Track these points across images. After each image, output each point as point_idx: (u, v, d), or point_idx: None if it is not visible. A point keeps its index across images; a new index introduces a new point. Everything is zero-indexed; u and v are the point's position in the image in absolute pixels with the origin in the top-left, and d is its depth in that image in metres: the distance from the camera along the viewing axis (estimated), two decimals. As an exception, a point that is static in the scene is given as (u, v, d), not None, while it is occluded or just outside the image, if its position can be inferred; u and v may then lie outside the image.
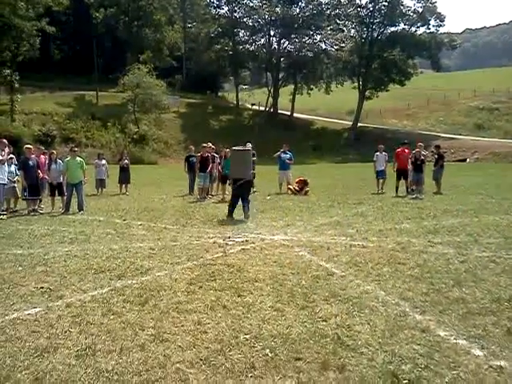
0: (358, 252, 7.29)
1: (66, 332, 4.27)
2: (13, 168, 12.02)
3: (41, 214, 11.75)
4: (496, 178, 22.01)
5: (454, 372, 3.52)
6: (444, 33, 60.16)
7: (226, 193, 14.87)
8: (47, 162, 13.01)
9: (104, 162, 16.82)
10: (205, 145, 15.89)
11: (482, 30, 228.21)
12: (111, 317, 4.63)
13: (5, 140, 11.76)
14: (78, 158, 12.50)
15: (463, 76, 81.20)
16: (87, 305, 4.96)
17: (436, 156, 16.28)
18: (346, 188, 17.84)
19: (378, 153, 16.37)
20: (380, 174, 16.13)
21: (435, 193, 15.51)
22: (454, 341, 4.04)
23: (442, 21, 53.13)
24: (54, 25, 46.30)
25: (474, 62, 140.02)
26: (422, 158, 15.16)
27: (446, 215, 10.87)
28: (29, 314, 4.69)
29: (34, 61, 45.19)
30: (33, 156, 12.27)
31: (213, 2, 60.39)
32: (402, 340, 4.06)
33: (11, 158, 12.11)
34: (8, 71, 40.69)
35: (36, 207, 11.99)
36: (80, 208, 11.96)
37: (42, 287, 5.58)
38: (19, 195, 12.39)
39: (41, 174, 12.27)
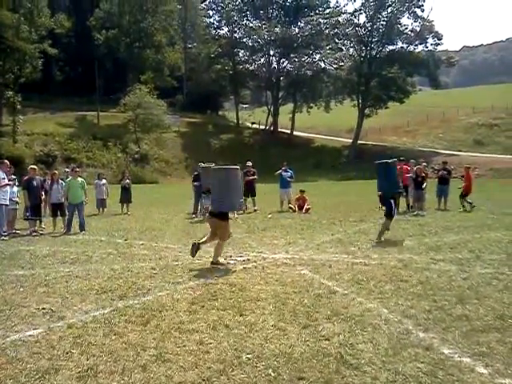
0: (359, 270, 7.27)
1: (67, 353, 4.24)
2: (15, 189, 12.07)
3: (42, 234, 11.75)
4: (497, 194, 22.03)
5: (459, 390, 3.49)
6: (442, 50, 60.93)
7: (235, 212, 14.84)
8: (49, 182, 13.07)
9: (104, 181, 16.87)
10: (202, 164, 15.89)
11: (480, 48, 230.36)
12: (113, 337, 4.60)
13: (7, 161, 11.83)
14: (80, 179, 12.56)
15: (462, 93, 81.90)
16: (89, 325, 4.94)
17: (445, 172, 16.25)
18: (347, 205, 17.84)
19: None
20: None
21: (437, 209, 15.54)
22: (458, 358, 4.01)
23: (440, 39, 53.79)
24: (56, 47, 47.11)
25: (472, 79, 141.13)
26: (423, 175, 15.19)
27: (447, 232, 10.86)
28: (30, 336, 4.66)
29: (36, 82, 45.75)
30: (37, 176, 12.36)
31: (213, 23, 61.41)
32: (406, 358, 4.03)
33: (14, 179, 12.17)
34: (11, 93, 41.18)
35: (36, 228, 11.99)
36: (81, 228, 11.98)
37: (44, 308, 5.55)
38: (17, 216, 12.41)
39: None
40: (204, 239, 8.05)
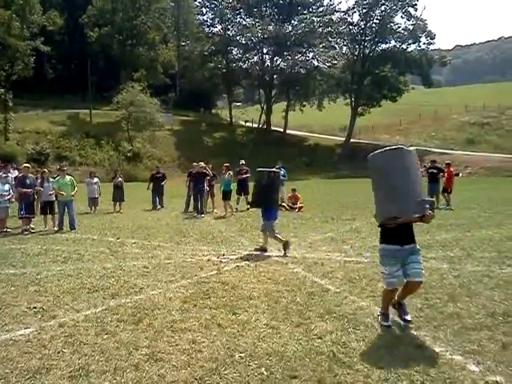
0: (352, 268, 7.29)
1: (58, 352, 4.23)
2: (7, 187, 11.98)
3: (32, 232, 11.67)
4: (488, 192, 22.18)
5: (450, 388, 3.51)
6: (435, 49, 61.06)
7: (229, 210, 14.89)
8: (39, 180, 13.01)
9: (96, 180, 16.75)
10: (195, 164, 15.95)
11: (472, 47, 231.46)
12: (105, 336, 4.59)
13: None
14: (68, 177, 12.49)
15: (454, 91, 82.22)
16: (80, 324, 4.92)
17: (435, 171, 16.38)
18: (340, 204, 17.88)
19: None
20: None
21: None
22: (450, 356, 4.04)
23: (433, 38, 53.90)
24: (48, 44, 46.66)
25: (464, 78, 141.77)
26: None
27: (439, 230, 10.90)
28: (21, 335, 4.64)
29: (28, 80, 45.37)
30: (30, 175, 12.32)
31: (206, 21, 61.11)
32: (398, 356, 4.05)
33: (6, 177, 12.08)
34: (2, 90, 40.80)
35: (28, 226, 11.92)
36: (72, 227, 11.92)
37: (35, 307, 5.53)
38: (9, 215, 12.35)
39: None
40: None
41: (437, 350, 4.18)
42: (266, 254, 8.63)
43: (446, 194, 16.17)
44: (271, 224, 8.96)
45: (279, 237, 8.86)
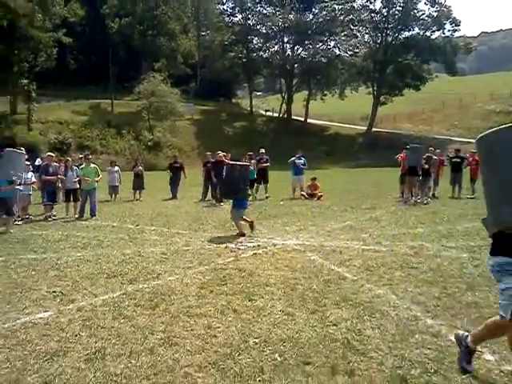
0: (370, 256, 7.23)
1: (76, 336, 4.29)
2: (29, 175, 12.20)
3: (54, 219, 11.89)
4: None
5: (464, 377, 3.45)
6: (459, 36, 59.72)
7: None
8: (63, 169, 13.22)
9: (117, 168, 16.98)
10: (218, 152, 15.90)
11: (498, 33, 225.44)
12: (121, 320, 4.64)
13: (22, 149, 11.96)
14: (93, 165, 12.66)
15: (479, 79, 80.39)
16: (98, 309, 4.99)
17: (458, 160, 16.07)
18: (360, 193, 17.72)
19: None
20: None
21: (451, 197, 15.38)
22: (466, 345, 3.97)
23: (458, 25, 52.85)
24: (70, 35, 47.18)
25: (490, 65, 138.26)
26: (430, 161, 14.87)
27: (460, 219, 10.72)
28: (40, 318, 4.73)
29: (51, 71, 46.01)
30: (53, 163, 12.56)
31: (226, 11, 61.01)
32: (413, 344, 4.00)
33: (28, 165, 12.30)
34: (25, 81, 41.48)
35: (51, 213, 12.15)
36: (92, 214, 12.10)
37: (54, 291, 5.63)
38: (32, 202, 12.61)
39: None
40: None
41: (452, 338, 4.11)
42: (284, 241, 8.60)
43: (471, 184, 15.80)
44: (241, 213, 9.59)
45: (243, 223, 9.48)
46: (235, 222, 9.56)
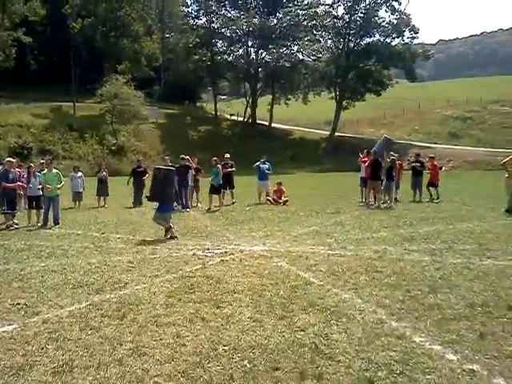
0: (336, 261, 7.38)
1: (42, 349, 4.22)
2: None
3: (16, 228, 11.55)
4: (470, 186, 22.54)
5: (429, 377, 3.60)
6: (418, 44, 61.54)
7: (216, 204, 14.93)
8: (25, 175, 12.85)
9: (80, 174, 16.63)
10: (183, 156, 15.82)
11: (455, 41, 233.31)
12: (89, 332, 4.59)
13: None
14: (55, 170, 12.35)
15: (437, 86, 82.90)
16: (64, 320, 4.91)
17: (418, 164, 16.52)
18: (324, 197, 17.98)
19: None
20: (363, 182, 16.06)
21: (412, 201, 15.82)
22: (429, 346, 4.13)
23: (417, 32, 54.44)
24: (30, 35, 45.94)
25: (447, 72, 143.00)
26: (394, 164, 15.24)
27: (422, 223, 11.07)
28: (4, 332, 4.62)
29: (10, 71, 44.65)
30: (13, 170, 12.12)
31: (191, 13, 60.66)
32: (379, 347, 4.13)
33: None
34: (-18, 82, 40.16)
35: (11, 222, 11.77)
36: (56, 222, 11.81)
37: (19, 303, 5.49)
38: None
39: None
40: None
41: (417, 340, 4.27)
42: (251, 247, 8.66)
43: (430, 188, 16.32)
44: (165, 217, 9.98)
45: (164, 223, 9.90)
46: (156, 220, 10.04)
